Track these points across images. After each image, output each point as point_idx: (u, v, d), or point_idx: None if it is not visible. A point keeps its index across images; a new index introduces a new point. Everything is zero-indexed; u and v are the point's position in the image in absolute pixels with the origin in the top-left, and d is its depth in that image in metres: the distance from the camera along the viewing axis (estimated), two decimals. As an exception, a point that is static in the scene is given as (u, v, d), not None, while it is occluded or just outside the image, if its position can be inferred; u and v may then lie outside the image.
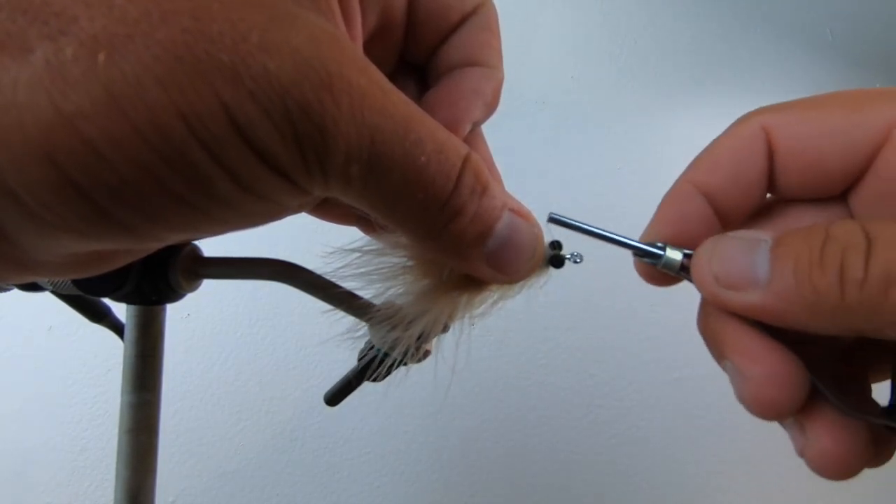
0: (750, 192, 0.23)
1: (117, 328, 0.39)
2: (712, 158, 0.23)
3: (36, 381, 0.75)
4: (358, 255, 0.26)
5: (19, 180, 0.13)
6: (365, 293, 0.29)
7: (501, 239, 0.20)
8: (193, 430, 0.79)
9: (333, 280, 0.31)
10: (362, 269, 0.26)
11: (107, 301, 0.39)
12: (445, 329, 0.29)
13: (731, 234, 0.20)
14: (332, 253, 0.25)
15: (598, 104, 0.95)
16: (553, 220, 0.25)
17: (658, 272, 0.23)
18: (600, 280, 0.84)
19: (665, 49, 1.00)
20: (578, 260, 0.27)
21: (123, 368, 0.34)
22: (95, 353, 0.78)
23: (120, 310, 0.38)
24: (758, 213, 0.25)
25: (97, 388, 0.78)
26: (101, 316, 0.40)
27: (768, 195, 0.23)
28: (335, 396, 0.34)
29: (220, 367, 0.81)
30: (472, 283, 0.27)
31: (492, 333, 0.83)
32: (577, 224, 0.25)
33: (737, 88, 1.03)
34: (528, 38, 0.93)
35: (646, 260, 0.23)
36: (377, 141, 0.16)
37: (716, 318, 0.21)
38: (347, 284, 0.32)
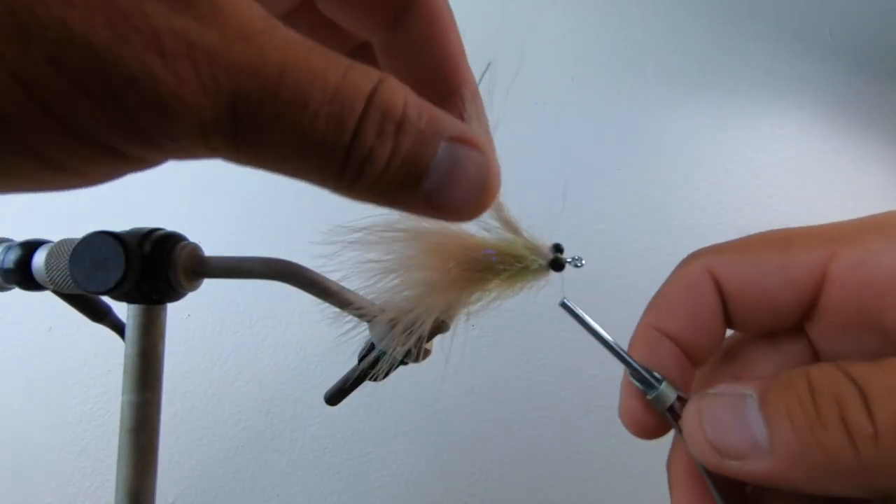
0: (709, 332, 0.22)
1: (118, 327, 0.39)
2: (666, 303, 0.23)
3: (36, 381, 0.75)
4: (357, 234, 0.25)
5: None
6: (365, 292, 0.29)
7: (440, 175, 0.17)
8: (193, 431, 0.79)
9: (333, 280, 0.31)
10: (362, 259, 0.26)
11: (107, 300, 0.39)
12: (445, 328, 0.29)
13: (712, 391, 0.20)
14: (330, 231, 0.25)
15: (597, 104, 0.95)
16: (563, 306, 0.25)
17: (647, 419, 0.22)
18: (600, 280, 0.84)
19: (665, 49, 1.00)
20: (580, 264, 0.27)
21: (124, 368, 0.34)
22: (95, 353, 0.78)
23: (121, 309, 0.38)
24: (725, 350, 0.25)
25: (97, 388, 0.78)
26: (101, 315, 0.40)
27: (729, 331, 0.23)
28: (335, 396, 0.34)
29: (220, 367, 0.81)
30: (472, 281, 0.27)
31: (492, 334, 0.83)
32: (583, 319, 0.25)
33: (736, 88, 1.03)
34: (528, 39, 0.93)
35: (638, 385, 0.23)
36: (239, 107, 0.13)
37: (680, 465, 0.21)
38: (348, 283, 0.32)
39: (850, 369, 0.17)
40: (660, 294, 0.24)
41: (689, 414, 0.20)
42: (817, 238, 0.21)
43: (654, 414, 0.22)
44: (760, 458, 0.17)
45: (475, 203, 0.19)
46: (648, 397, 0.23)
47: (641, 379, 0.22)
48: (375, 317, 0.28)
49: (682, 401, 0.22)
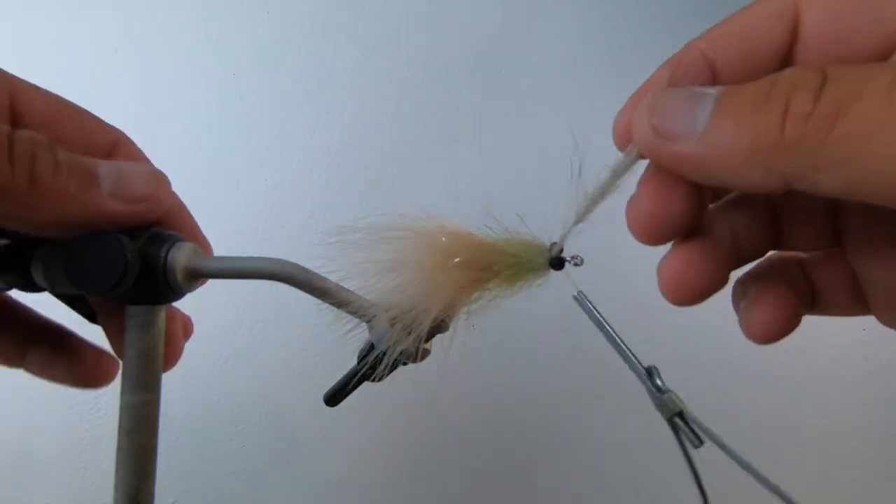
0: (762, 69, 0.21)
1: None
2: (728, 29, 0.22)
3: (36, 381, 0.75)
4: (357, 234, 0.26)
5: None
6: (365, 291, 0.28)
7: (113, 175, 0.25)
8: (193, 431, 0.79)
9: (333, 280, 0.31)
10: (363, 259, 0.26)
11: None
12: (445, 328, 0.29)
13: (679, 87, 0.20)
14: (331, 231, 0.25)
15: (597, 104, 0.94)
16: (577, 299, 0.25)
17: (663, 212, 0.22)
18: (600, 281, 0.83)
19: (665, 50, 1.00)
20: (579, 262, 0.28)
21: (123, 369, 0.33)
22: (95, 354, 0.78)
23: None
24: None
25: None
26: (97, 317, 0.40)
27: None
28: (334, 397, 0.34)
29: (221, 368, 0.81)
30: (472, 280, 0.27)
31: (492, 334, 0.83)
32: (595, 315, 0.25)
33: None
34: (528, 39, 0.93)
35: (646, 382, 0.23)
36: None
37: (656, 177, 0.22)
38: (348, 283, 0.31)
39: (829, 67, 0.17)
40: (725, 20, 0.22)
41: (646, 99, 0.20)
42: None
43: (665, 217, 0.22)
44: (690, 141, 0.18)
45: (151, 187, 0.27)
46: (655, 403, 0.23)
47: (649, 379, 0.22)
48: (375, 317, 0.28)
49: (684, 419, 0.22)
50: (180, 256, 0.31)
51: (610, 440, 0.83)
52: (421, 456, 0.82)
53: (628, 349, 0.24)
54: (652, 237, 0.23)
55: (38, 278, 0.32)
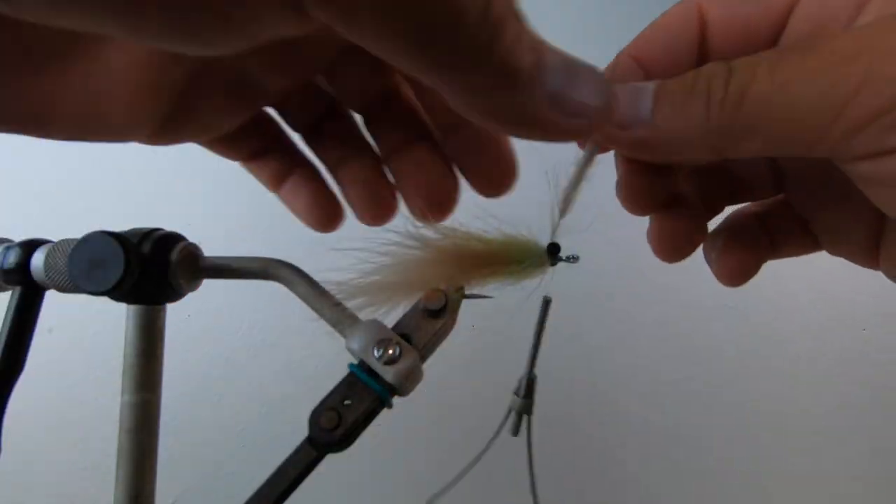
0: (682, 60, 0.25)
1: None
2: (648, 34, 0.26)
3: (36, 381, 0.75)
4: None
5: None
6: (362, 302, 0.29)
7: (559, 72, 0.18)
8: (194, 431, 0.79)
9: (327, 289, 0.31)
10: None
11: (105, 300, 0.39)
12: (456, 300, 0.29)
13: (622, 83, 0.23)
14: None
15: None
16: (545, 301, 0.30)
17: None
18: (600, 281, 0.84)
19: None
20: (573, 259, 0.29)
21: (123, 369, 0.34)
22: (95, 354, 0.78)
23: (120, 310, 0.38)
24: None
25: (97, 388, 0.78)
26: None
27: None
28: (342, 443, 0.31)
29: (221, 367, 0.81)
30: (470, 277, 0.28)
31: (491, 334, 0.83)
32: (542, 323, 0.30)
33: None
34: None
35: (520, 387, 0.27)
36: None
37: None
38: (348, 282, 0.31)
39: (733, 60, 0.21)
40: (647, 28, 0.27)
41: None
42: None
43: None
44: (644, 128, 0.22)
45: (604, 104, 0.21)
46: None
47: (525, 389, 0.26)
48: (353, 330, 0.28)
49: None
50: (181, 257, 0.31)
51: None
52: (423, 454, 0.82)
53: (535, 357, 0.29)
54: (637, 208, 0.28)
55: (39, 277, 0.33)
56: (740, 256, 0.29)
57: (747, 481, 0.84)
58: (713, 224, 0.31)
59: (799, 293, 0.87)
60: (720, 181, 0.30)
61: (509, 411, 0.28)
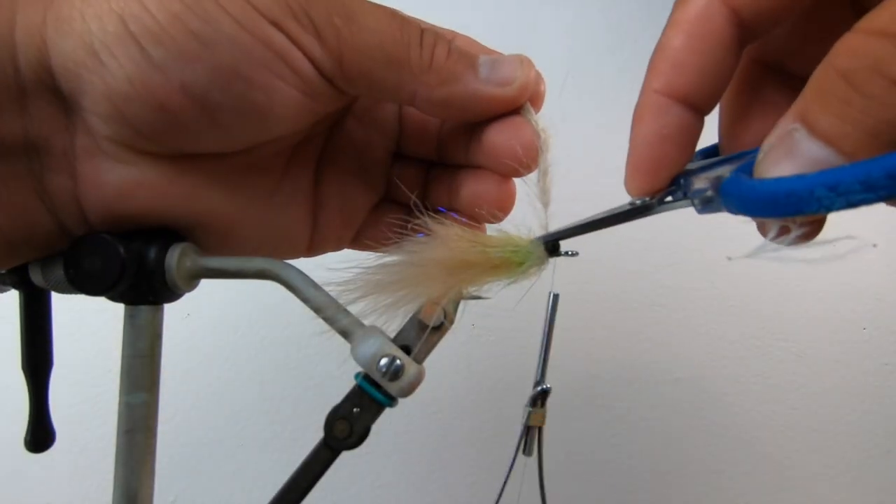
0: (723, 71, 0.21)
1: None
2: (670, 57, 0.22)
3: (36, 381, 0.75)
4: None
5: None
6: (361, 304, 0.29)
7: (489, 63, 0.29)
8: (193, 430, 0.79)
9: (326, 290, 0.31)
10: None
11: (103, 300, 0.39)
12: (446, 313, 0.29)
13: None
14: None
15: (597, 104, 0.94)
16: (553, 297, 0.30)
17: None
18: (600, 280, 0.83)
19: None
20: (572, 253, 0.30)
21: (121, 369, 0.33)
22: (95, 354, 0.78)
23: (118, 309, 0.38)
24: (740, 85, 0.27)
25: (97, 388, 0.78)
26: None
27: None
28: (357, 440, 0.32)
29: (220, 367, 0.81)
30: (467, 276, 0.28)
31: (491, 334, 0.83)
32: (551, 320, 0.30)
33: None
34: (527, 39, 0.93)
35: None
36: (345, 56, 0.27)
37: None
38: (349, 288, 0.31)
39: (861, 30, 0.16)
40: (661, 49, 0.22)
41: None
42: None
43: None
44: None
45: (523, 71, 0.30)
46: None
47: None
48: (359, 337, 0.28)
49: None
50: (176, 256, 0.31)
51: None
52: (423, 454, 0.82)
53: (545, 361, 0.29)
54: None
55: (37, 279, 0.32)
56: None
57: (747, 481, 0.83)
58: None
59: (799, 292, 0.86)
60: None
61: (526, 429, 0.29)
